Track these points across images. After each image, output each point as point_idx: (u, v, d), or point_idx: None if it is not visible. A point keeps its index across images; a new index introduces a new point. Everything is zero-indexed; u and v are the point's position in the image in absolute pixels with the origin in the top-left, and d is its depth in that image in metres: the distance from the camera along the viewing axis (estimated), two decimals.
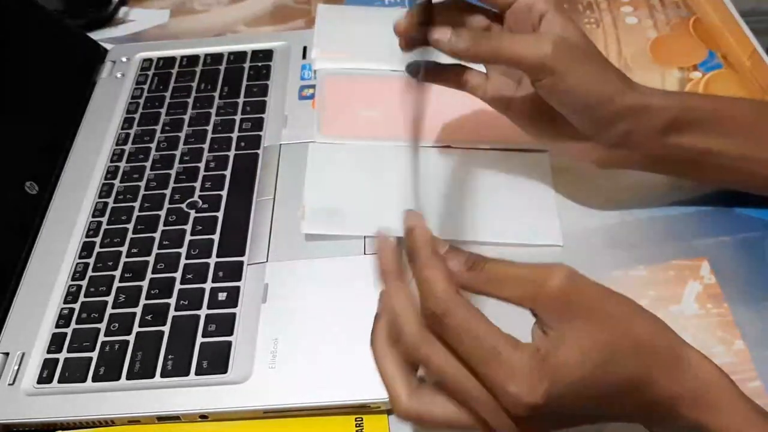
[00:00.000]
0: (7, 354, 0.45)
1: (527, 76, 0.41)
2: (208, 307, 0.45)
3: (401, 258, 0.34)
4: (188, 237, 0.49)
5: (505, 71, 0.44)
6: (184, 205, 0.51)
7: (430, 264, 0.32)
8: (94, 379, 0.43)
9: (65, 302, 0.47)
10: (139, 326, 0.45)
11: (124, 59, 0.64)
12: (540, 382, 0.29)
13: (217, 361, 0.43)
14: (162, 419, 0.42)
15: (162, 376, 0.43)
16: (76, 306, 0.46)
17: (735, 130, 0.44)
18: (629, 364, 0.31)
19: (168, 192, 0.52)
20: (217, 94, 0.59)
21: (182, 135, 0.56)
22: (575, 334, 0.31)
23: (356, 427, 0.41)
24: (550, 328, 0.31)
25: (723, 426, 0.32)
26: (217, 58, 0.62)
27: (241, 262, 0.47)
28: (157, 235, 0.50)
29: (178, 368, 0.43)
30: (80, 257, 0.49)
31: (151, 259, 0.48)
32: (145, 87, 0.61)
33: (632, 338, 0.31)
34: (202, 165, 0.54)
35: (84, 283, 0.48)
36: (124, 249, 0.49)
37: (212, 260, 0.48)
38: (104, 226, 0.51)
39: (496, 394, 0.30)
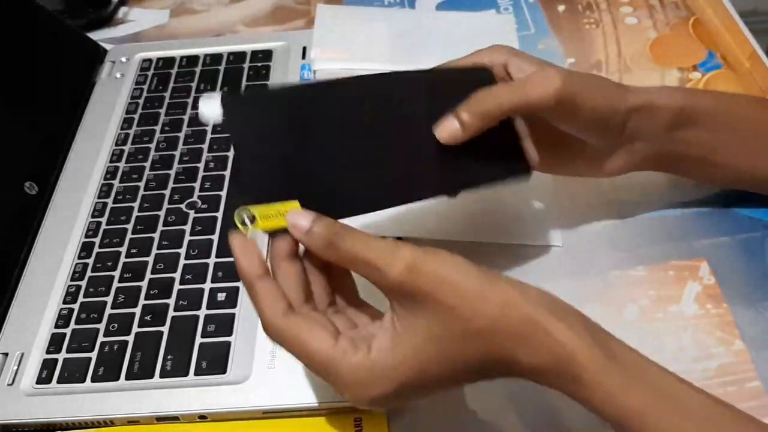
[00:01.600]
0: (6, 354, 0.45)
1: (544, 114, 0.40)
2: (208, 308, 0.45)
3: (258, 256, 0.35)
4: (187, 237, 0.49)
5: None
6: (183, 206, 0.51)
7: (255, 294, 0.35)
8: (93, 380, 0.43)
9: (64, 302, 0.47)
10: (139, 326, 0.45)
11: (123, 59, 0.64)
12: (367, 390, 0.33)
13: (216, 362, 0.43)
14: (161, 419, 0.42)
15: (161, 376, 0.42)
16: (76, 306, 0.46)
17: (740, 124, 0.44)
18: (468, 349, 0.32)
19: (167, 192, 0.52)
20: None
21: (182, 135, 0.56)
22: (411, 330, 0.33)
23: (355, 427, 0.40)
24: (395, 313, 0.34)
25: (587, 397, 0.32)
26: (216, 58, 0.62)
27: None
28: (156, 236, 0.50)
29: (177, 368, 0.43)
30: (79, 257, 0.49)
31: (151, 259, 0.48)
32: (145, 87, 0.61)
33: (471, 324, 0.32)
34: (201, 165, 0.54)
35: (83, 283, 0.48)
36: (124, 249, 0.49)
37: (211, 260, 0.48)
38: (103, 227, 0.51)
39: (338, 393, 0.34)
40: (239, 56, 0.62)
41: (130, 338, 0.44)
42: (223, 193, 0.52)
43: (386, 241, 0.34)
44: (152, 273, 0.47)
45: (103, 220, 0.51)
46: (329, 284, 0.36)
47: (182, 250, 0.48)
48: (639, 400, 0.31)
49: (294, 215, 0.34)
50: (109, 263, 0.48)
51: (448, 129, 0.39)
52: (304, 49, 0.62)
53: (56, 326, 0.46)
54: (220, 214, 0.50)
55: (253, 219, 0.34)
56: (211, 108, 0.42)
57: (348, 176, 0.37)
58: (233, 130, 0.36)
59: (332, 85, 0.39)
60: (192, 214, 0.51)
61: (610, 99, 0.41)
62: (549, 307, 0.33)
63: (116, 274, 0.48)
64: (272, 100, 0.38)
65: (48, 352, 0.44)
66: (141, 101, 0.60)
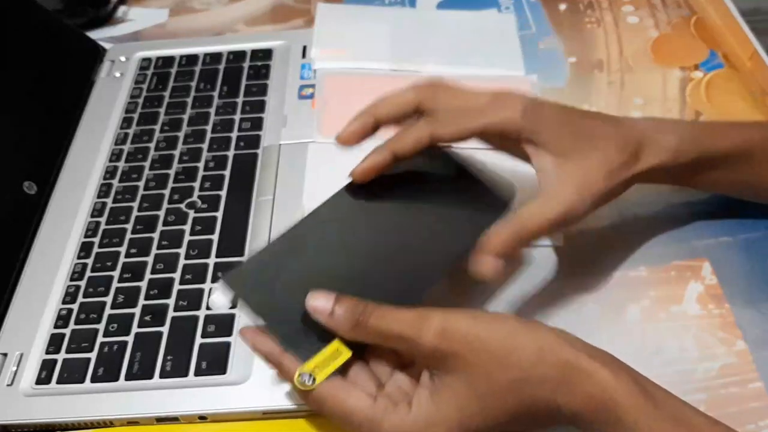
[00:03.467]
0: (5, 355, 0.45)
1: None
2: (208, 308, 0.45)
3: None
4: (187, 237, 0.49)
5: None
6: (183, 205, 0.51)
7: (283, 368, 0.36)
8: (92, 380, 0.43)
9: (64, 303, 0.47)
10: (138, 327, 0.45)
11: (122, 58, 0.64)
12: None
13: (216, 362, 0.43)
14: (161, 420, 0.41)
15: (161, 376, 0.42)
16: (75, 306, 0.46)
17: (757, 158, 0.43)
18: (509, 401, 0.33)
19: (167, 192, 0.52)
20: (216, 94, 0.59)
21: (181, 135, 0.56)
22: (450, 389, 0.34)
23: None
24: (432, 374, 0.35)
25: None
26: (216, 57, 0.62)
27: (241, 263, 0.47)
28: (155, 235, 0.49)
29: (176, 369, 0.42)
30: (79, 257, 0.49)
31: (150, 259, 0.48)
32: (144, 86, 0.61)
33: (507, 376, 0.33)
34: (201, 165, 0.54)
35: (82, 283, 0.47)
36: (123, 249, 0.49)
37: (211, 260, 0.48)
38: (103, 226, 0.51)
39: None
40: (239, 55, 0.62)
41: (130, 338, 0.44)
42: (223, 193, 0.52)
43: (413, 311, 0.34)
44: (152, 273, 0.47)
45: (103, 219, 0.51)
46: None
47: (182, 250, 0.48)
48: None
49: (314, 298, 0.35)
50: (109, 263, 0.48)
51: (491, 266, 0.38)
52: (304, 48, 0.62)
53: (55, 326, 0.45)
54: (219, 214, 0.50)
55: (311, 376, 0.35)
56: (220, 297, 0.44)
57: (369, 288, 0.37)
58: (252, 304, 0.37)
59: (318, 215, 0.40)
60: (192, 213, 0.51)
61: (617, 177, 0.40)
62: (588, 351, 0.33)
63: (116, 274, 0.48)
64: (271, 257, 0.39)
65: (47, 352, 0.44)
66: (140, 100, 0.60)
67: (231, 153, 0.54)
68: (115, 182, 0.54)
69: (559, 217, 0.39)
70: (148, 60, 0.63)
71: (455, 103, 0.41)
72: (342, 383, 0.35)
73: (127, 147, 0.56)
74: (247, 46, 0.63)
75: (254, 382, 0.42)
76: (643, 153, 0.41)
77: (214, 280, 0.46)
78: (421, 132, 0.39)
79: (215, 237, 0.49)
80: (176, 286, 0.46)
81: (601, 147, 0.40)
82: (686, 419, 0.33)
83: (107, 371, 0.43)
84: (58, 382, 0.43)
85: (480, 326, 0.34)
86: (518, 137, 0.40)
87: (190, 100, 0.59)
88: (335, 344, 0.35)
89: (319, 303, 0.35)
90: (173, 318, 0.45)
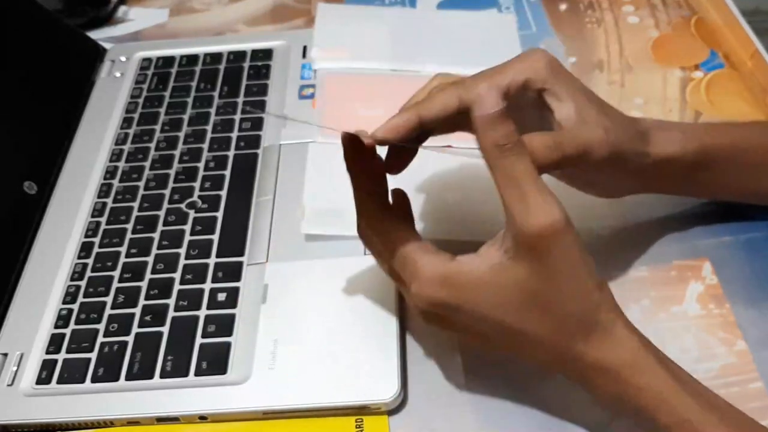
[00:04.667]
0: (5, 355, 0.44)
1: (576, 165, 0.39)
2: (208, 308, 0.45)
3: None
4: (187, 237, 0.49)
5: None
6: (183, 205, 0.51)
7: (356, 197, 0.38)
8: (93, 380, 0.43)
9: (64, 303, 0.47)
10: (138, 327, 0.45)
11: (123, 58, 0.64)
12: (433, 289, 0.34)
13: (216, 362, 0.42)
14: (161, 420, 0.41)
15: (161, 376, 0.42)
16: (75, 306, 0.46)
17: (758, 157, 0.44)
18: (544, 322, 0.34)
19: (167, 192, 0.52)
20: (216, 94, 0.59)
21: (181, 135, 0.56)
22: (508, 270, 0.34)
23: (356, 428, 0.40)
24: (504, 247, 0.34)
25: (640, 402, 0.34)
26: (216, 57, 0.62)
27: (241, 263, 0.47)
28: (156, 235, 0.49)
29: (177, 369, 0.42)
30: (79, 257, 0.49)
31: (150, 259, 0.48)
32: (145, 86, 0.61)
33: (565, 306, 0.34)
34: (201, 165, 0.54)
35: (83, 283, 0.47)
36: (123, 249, 0.49)
37: (212, 260, 0.48)
38: (103, 226, 0.51)
39: (405, 290, 0.37)
40: (239, 55, 0.62)
41: (130, 338, 0.44)
42: (223, 193, 0.52)
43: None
44: (152, 273, 0.47)
45: (103, 219, 0.51)
46: None
47: (182, 250, 0.48)
48: (691, 409, 0.33)
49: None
50: (109, 263, 0.48)
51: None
52: (305, 48, 0.62)
53: (56, 326, 0.45)
54: (220, 214, 0.50)
55: None
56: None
57: None
58: None
59: None
60: (192, 213, 0.51)
61: (629, 145, 0.40)
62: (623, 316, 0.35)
63: (116, 274, 0.48)
64: None
65: (47, 352, 0.44)
66: (141, 100, 0.60)
67: (231, 153, 0.54)
68: (116, 182, 0.54)
69: (588, 144, 0.37)
70: (148, 60, 0.63)
71: (480, 72, 0.40)
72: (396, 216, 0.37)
73: (127, 147, 0.56)
74: (248, 46, 0.63)
75: (254, 382, 0.41)
76: (650, 144, 0.41)
77: (215, 280, 0.46)
78: (450, 96, 0.37)
79: (215, 237, 0.49)
80: (176, 286, 0.46)
81: (613, 117, 0.40)
82: (709, 397, 0.34)
83: (107, 371, 0.43)
84: (58, 382, 0.43)
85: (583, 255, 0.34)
86: (542, 87, 0.39)
87: (190, 100, 0.59)
88: None
89: (490, 100, 0.33)
90: (173, 318, 0.45)
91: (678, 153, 0.41)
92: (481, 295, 0.34)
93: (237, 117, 0.57)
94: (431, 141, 0.46)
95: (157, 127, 0.57)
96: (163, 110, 0.59)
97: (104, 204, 0.52)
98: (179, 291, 0.46)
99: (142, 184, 0.53)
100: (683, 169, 0.42)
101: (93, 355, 0.44)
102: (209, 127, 0.56)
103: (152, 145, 0.56)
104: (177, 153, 0.55)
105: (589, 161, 0.38)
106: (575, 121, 0.38)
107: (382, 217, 0.38)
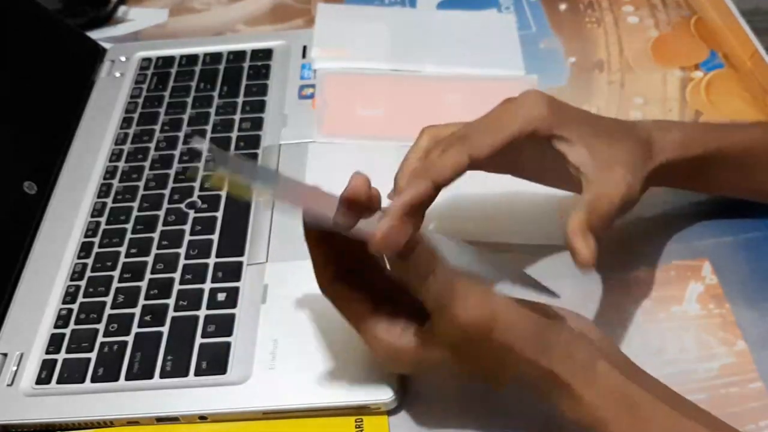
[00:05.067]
0: (5, 355, 0.44)
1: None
2: (208, 308, 0.45)
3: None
4: (187, 237, 0.49)
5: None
6: (183, 205, 0.51)
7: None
8: (92, 380, 0.43)
9: (64, 303, 0.47)
10: (138, 327, 0.45)
11: (122, 58, 0.64)
12: (391, 365, 0.37)
13: (216, 362, 0.42)
14: (161, 420, 0.41)
15: (161, 376, 0.42)
16: (75, 306, 0.46)
17: (755, 162, 0.44)
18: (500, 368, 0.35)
19: (167, 192, 0.52)
20: (216, 94, 0.59)
21: (181, 135, 0.56)
22: (443, 344, 0.35)
23: (356, 428, 0.40)
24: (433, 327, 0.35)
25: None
26: (216, 57, 0.62)
27: (241, 263, 0.47)
28: (156, 235, 0.49)
29: (177, 369, 0.42)
30: (79, 257, 0.49)
31: (150, 259, 0.48)
32: (144, 86, 0.61)
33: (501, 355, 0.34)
34: (201, 165, 0.54)
35: (83, 283, 0.47)
36: (123, 249, 0.49)
37: (211, 260, 0.48)
38: (103, 226, 0.51)
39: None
40: (239, 55, 0.62)
41: (130, 338, 0.44)
42: (223, 193, 0.52)
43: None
44: (152, 273, 0.47)
45: (103, 219, 0.51)
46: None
47: (182, 250, 0.48)
48: None
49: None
50: (109, 263, 0.48)
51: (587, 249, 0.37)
52: (305, 48, 0.62)
53: (56, 326, 0.45)
54: (219, 214, 0.50)
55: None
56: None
57: None
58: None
59: None
60: (192, 213, 0.51)
61: (640, 172, 0.40)
62: (583, 372, 0.33)
63: (116, 274, 0.48)
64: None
65: (47, 352, 0.44)
66: (140, 100, 0.60)
67: (231, 153, 0.54)
68: (115, 182, 0.54)
69: (624, 198, 0.38)
70: (148, 60, 0.63)
71: (480, 122, 0.39)
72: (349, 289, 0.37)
73: (127, 147, 0.56)
74: (247, 46, 0.63)
75: (254, 382, 0.41)
76: (653, 151, 0.41)
77: (215, 280, 0.46)
78: (459, 155, 0.37)
79: (215, 237, 0.49)
80: (176, 286, 0.46)
81: (620, 145, 0.40)
82: None
83: (107, 371, 0.43)
84: (58, 382, 0.43)
85: (518, 339, 0.33)
86: (550, 134, 0.39)
87: (190, 100, 0.59)
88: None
89: (395, 235, 0.33)
90: (173, 318, 0.45)
91: (677, 157, 0.41)
92: (431, 365, 0.36)
93: (237, 117, 0.57)
94: None
95: (157, 127, 0.57)
96: (162, 110, 0.59)
97: (104, 204, 0.52)
98: (179, 291, 0.46)
99: (142, 184, 0.53)
100: (683, 170, 0.42)
101: (93, 355, 0.44)
102: (209, 127, 0.56)
103: (152, 145, 0.56)
104: (177, 153, 0.55)
105: (633, 200, 0.39)
106: (591, 166, 0.39)
107: (336, 286, 0.37)
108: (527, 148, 0.40)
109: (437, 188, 0.36)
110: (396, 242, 0.32)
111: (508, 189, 0.50)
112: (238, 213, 0.50)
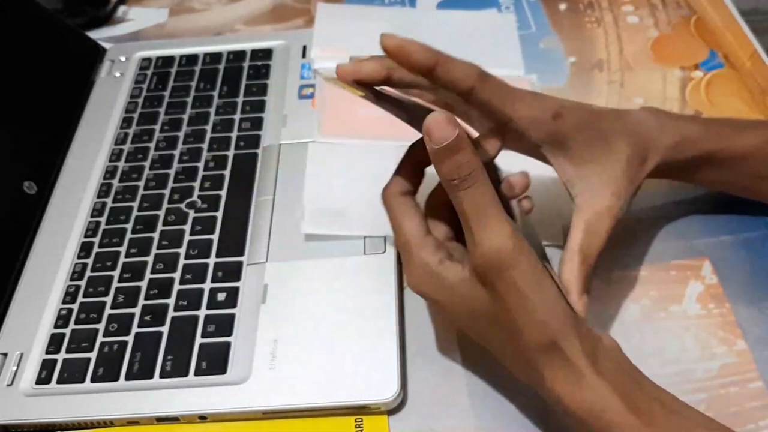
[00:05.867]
0: (5, 354, 0.44)
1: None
2: (208, 308, 0.45)
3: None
4: (187, 237, 0.49)
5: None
6: (183, 205, 0.51)
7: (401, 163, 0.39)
8: (92, 380, 0.43)
9: (64, 302, 0.47)
10: (138, 327, 0.45)
11: (122, 58, 0.64)
12: (420, 285, 0.37)
13: (216, 362, 0.42)
14: (161, 420, 0.41)
15: (161, 376, 0.42)
16: (75, 306, 0.46)
17: (752, 169, 0.44)
18: (509, 343, 0.35)
19: (167, 192, 0.52)
20: (216, 94, 0.59)
21: (181, 134, 0.56)
22: (475, 297, 0.35)
23: (356, 428, 0.40)
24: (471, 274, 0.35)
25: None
26: (216, 57, 0.62)
27: (241, 263, 0.47)
28: (156, 235, 0.49)
29: (177, 369, 0.42)
30: (79, 257, 0.49)
31: (150, 259, 0.48)
32: (144, 86, 0.61)
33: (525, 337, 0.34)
34: (201, 165, 0.54)
35: (82, 283, 0.47)
36: (123, 249, 0.49)
37: (211, 260, 0.48)
38: (103, 226, 0.51)
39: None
40: (239, 55, 0.62)
41: (130, 338, 0.44)
42: (223, 193, 0.52)
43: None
44: (152, 273, 0.47)
45: (103, 219, 0.51)
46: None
47: (182, 250, 0.48)
48: None
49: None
50: (109, 263, 0.48)
51: (583, 305, 0.39)
52: (304, 48, 0.62)
53: (55, 326, 0.45)
54: (219, 214, 0.50)
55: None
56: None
57: None
58: None
59: None
60: (192, 213, 0.51)
61: (635, 179, 0.41)
62: (593, 357, 0.33)
63: (116, 274, 0.48)
64: None
65: (47, 352, 0.44)
66: (140, 100, 0.60)
67: (231, 153, 0.54)
68: (115, 182, 0.54)
69: (610, 228, 0.40)
70: (148, 60, 0.63)
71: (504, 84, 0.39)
72: (413, 207, 0.38)
73: (127, 147, 0.56)
74: (247, 46, 0.63)
75: (254, 382, 0.41)
76: (649, 154, 0.41)
77: (215, 280, 0.46)
78: (472, 70, 0.37)
79: (215, 237, 0.49)
80: (176, 286, 0.46)
81: (613, 154, 0.40)
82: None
83: (107, 371, 0.43)
84: (58, 382, 0.43)
85: (536, 291, 0.33)
86: (541, 141, 0.39)
87: (190, 100, 0.59)
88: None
89: (442, 128, 0.33)
90: (173, 318, 0.45)
91: (670, 157, 0.41)
92: (455, 300, 0.36)
93: (237, 117, 0.57)
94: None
95: (157, 127, 0.57)
96: (162, 110, 0.59)
97: (104, 204, 0.52)
98: (179, 291, 0.46)
99: (141, 184, 0.53)
100: (677, 167, 0.43)
101: (93, 355, 0.44)
102: (209, 127, 0.56)
103: (152, 145, 0.56)
104: (177, 153, 0.55)
105: (617, 222, 0.40)
106: (579, 187, 0.40)
107: (402, 199, 0.38)
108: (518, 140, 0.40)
109: (431, 76, 0.37)
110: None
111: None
112: (238, 213, 0.50)
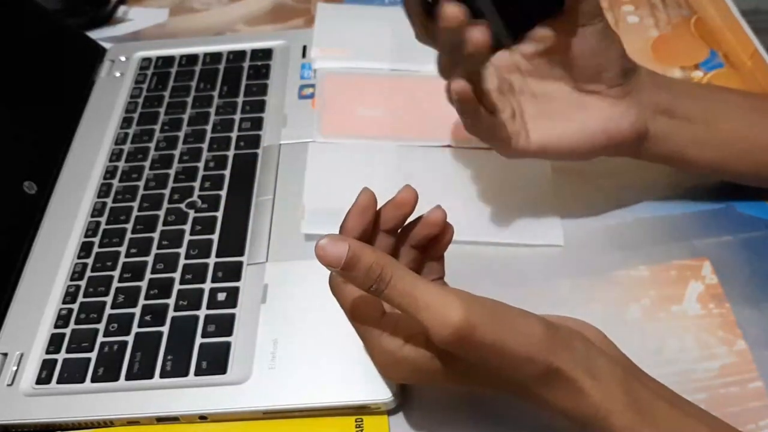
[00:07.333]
0: (5, 354, 0.44)
1: None
2: (208, 308, 0.45)
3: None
4: (187, 237, 0.49)
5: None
6: (183, 205, 0.51)
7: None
8: (93, 380, 0.43)
9: (64, 302, 0.47)
10: (138, 326, 0.45)
11: (122, 58, 0.64)
12: (385, 370, 0.37)
13: (216, 362, 0.43)
14: (161, 420, 0.41)
15: (161, 376, 0.42)
16: (75, 306, 0.46)
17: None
18: (490, 384, 0.35)
19: (167, 192, 0.52)
20: (216, 94, 0.59)
21: (181, 134, 0.56)
22: (441, 360, 0.35)
23: (356, 428, 0.40)
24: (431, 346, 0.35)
25: None
26: (216, 57, 0.62)
27: (241, 263, 0.47)
28: (156, 235, 0.49)
29: (177, 369, 0.42)
30: (79, 257, 0.49)
31: (150, 259, 0.48)
32: (144, 86, 0.61)
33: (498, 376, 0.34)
34: (201, 165, 0.54)
35: (83, 283, 0.47)
36: (123, 249, 0.49)
37: (211, 260, 0.48)
38: (103, 226, 0.51)
39: None
40: (239, 55, 0.62)
41: (130, 338, 0.44)
42: (223, 193, 0.52)
43: (435, 291, 0.33)
44: (152, 273, 0.47)
45: (103, 219, 0.51)
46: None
47: (182, 250, 0.48)
48: None
49: (328, 243, 0.33)
50: (109, 263, 0.48)
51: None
52: (304, 47, 0.62)
53: (56, 326, 0.45)
54: (219, 214, 0.50)
55: None
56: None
57: None
58: None
59: None
60: (192, 213, 0.51)
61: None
62: (585, 364, 0.33)
63: (116, 274, 0.48)
64: None
65: (47, 352, 0.44)
66: (140, 100, 0.60)
67: (231, 153, 0.54)
68: (115, 182, 0.54)
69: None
70: (148, 60, 0.63)
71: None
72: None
73: (127, 147, 0.56)
74: (247, 46, 0.63)
75: (254, 382, 0.41)
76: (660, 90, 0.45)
77: (215, 280, 0.46)
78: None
79: (215, 237, 0.49)
80: (176, 286, 0.46)
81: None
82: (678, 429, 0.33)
83: (107, 371, 0.43)
84: (58, 382, 0.43)
85: (505, 334, 0.33)
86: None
87: (190, 100, 0.59)
88: None
89: (332, 250, 0.32)
90: (173, 318, 0.45)
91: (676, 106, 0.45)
92: (430, 377, 0.36)
93: (237, 117, 0.57)
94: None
95: (157, 127, 0.57)
96: (162, 110, 0.59)
97: (104, 204, 0.52)
98: (179, 291, 0.46)
99: (141, 184, 0.53)
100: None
101: (93, 355, 0.44)
102: (209, 127, 0.56)
103: (152, 145, 0.56)
104: (177, 153, 0.55)
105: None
106: None
107: (349, 287, 0.37)
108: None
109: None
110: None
111: (508, 189, 0.50)
112: (238, 213, 0.50)
